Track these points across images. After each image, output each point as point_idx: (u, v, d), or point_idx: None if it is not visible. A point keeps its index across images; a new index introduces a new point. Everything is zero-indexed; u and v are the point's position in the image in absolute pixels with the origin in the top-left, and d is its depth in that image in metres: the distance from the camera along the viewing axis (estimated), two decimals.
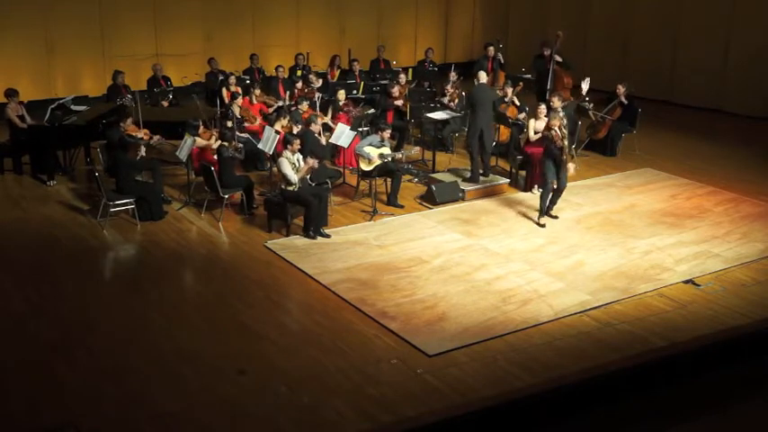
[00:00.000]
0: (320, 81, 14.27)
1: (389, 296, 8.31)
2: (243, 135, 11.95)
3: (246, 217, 10.48)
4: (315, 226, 9.76)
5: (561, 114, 10.23)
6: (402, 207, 10.90)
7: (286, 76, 14.79)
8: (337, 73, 15.54)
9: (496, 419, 6.55)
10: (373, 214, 10.56)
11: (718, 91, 16.56)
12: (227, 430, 6.16)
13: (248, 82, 14.44)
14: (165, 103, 13.99)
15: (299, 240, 9.70)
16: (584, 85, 13.14)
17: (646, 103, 14.99)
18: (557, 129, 9.97)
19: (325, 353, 7.23)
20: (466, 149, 12.12)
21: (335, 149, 12.07)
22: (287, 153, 9.81)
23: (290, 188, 9.70)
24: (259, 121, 12.60)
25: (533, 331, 7.66)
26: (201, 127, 11.19)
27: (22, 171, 11.99)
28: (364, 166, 10.77)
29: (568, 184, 10.62)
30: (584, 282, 8.72)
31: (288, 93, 14.01)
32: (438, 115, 12.62)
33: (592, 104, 13.19)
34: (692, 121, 16.02)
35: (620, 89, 13.51)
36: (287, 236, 9.83)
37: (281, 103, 13.26)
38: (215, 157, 10.53)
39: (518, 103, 12.99)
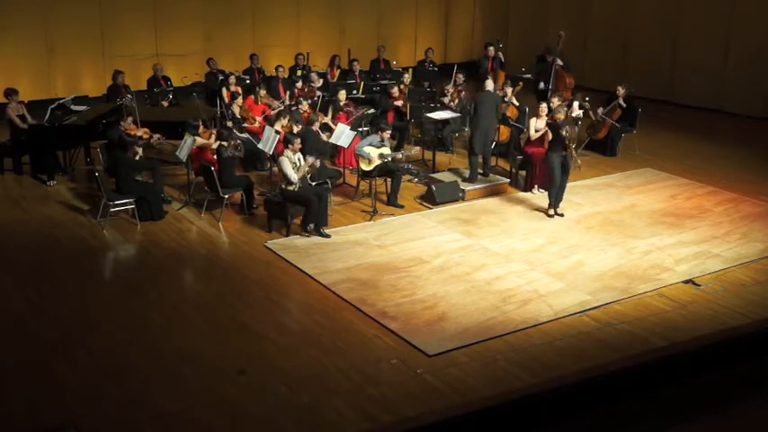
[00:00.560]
0: (321, 81, 14.28)
1: (389, 296, 8.31)
2: (243, 135, 11.95)
3: (246, 217, 10.48)
4: (315, 224, 9.76)
5: (565, 109, 10.35)
6: (402, 207, 10.90)
7: (286, 76, 14.79)
8: (337, 73, 15.54)
9: (496, 419, 6.55)
10: (373, 214, 10.56)
11: (718, 91, 16.56)
12: (227, 430, 6.16)
13: (248, 82, 14.46)
14: (165, 103, 13.99)
15: (299, 240, 9.70)
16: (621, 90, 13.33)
17: (646, 103, 14.98)
18: (565, 130, 10.12)
19: (325, 353, 7.23)
20: (467, 149, 12.13)
21: (335, 149, 12.07)
22: (288, 152, 9.81)
23: (291, 188, 9.70)
24: (259, 121, 12.59)
25: (533, 331, 7.66)
26: (201, 127, 11.20)
27: (22, 171, 11.98)
28: (364, 167, 10.77)
29: (569, 185, 10.68)
30: (584, 282, 8.72)
31: (288, 93, 14.01)
32: (438, 115, 12.62)
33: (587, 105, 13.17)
34: (692, 121, 16.01)
35: (620, 90, 13.50)
36: (287, 236, 9.83)
37: (283, 106, 13.23)
38: (215, 156, 10.53)
39: (517, 104, 13.00)
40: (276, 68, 14.73)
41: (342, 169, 11.90)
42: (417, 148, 12.77)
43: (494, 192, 11.51)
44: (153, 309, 8.11)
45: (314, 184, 10.20)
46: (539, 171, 11.34)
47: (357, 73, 15.27)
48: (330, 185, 10.88)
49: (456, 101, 13.55)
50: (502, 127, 12.69)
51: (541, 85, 14.31)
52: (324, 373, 6.89)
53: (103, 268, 9.39)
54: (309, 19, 18.31)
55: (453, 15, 20.56)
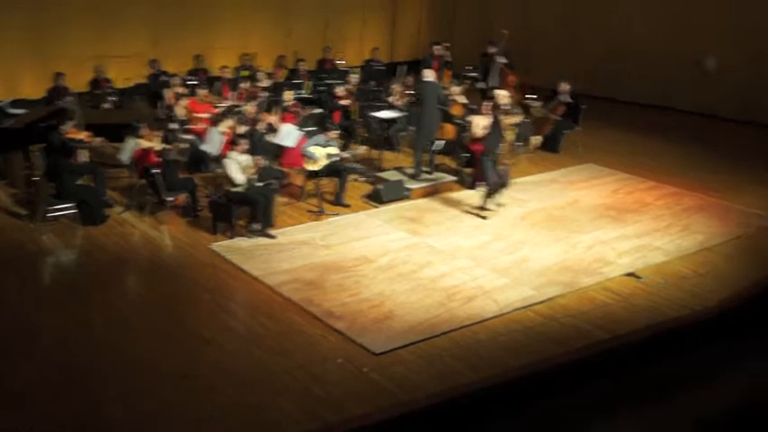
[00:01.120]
0: (269, 81, 14.18)
1: (336, 296, 8.30)
2: (188, 137, 11.80)
3: (191, 219, 10.35)
4: (261, 225, 9.70)
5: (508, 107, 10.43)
6: (348, 206, 10.89)
7: (230, 77, 14.67)
8: (284, 73, 15.46)
9: (442, 416, 6.57)
10: (319, 214, 10.53)
11: (665, 89, 16.75)
12: None
13: (195, 83, 14.30)
14: (108, 105, 13.75)
15: (244, 242, 9.62)
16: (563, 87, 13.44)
17: (593, 100, 15.09)
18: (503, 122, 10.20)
19: (271, 354, 7.18)
20: (412, 146, 12.17)
21: (281, 150, 11.98)
22: (233, 154, 9.73)
23: (236, 189, 9.62)
24: (203, 121, 12.45)
25: (478, 327, 7.71)
26: (145, 129, 11.03)
27: None
28: (310, 167, 10.72)
29: (512, 181, 10.80)
30: (528, 277, 8.82)
31: (232, 93, 13.89)
32: (384, 114, 12.64)
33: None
34: (637, 118, 16.20)
35: (563, 87, 13.67)
36: (232, 238, 9.74)
37: (229, 104, 13.09)
38: (158, 159, 10.39)
39: (465, 101, 13.08)
40: (221, 69, 14.58)
41: (287, 170, 11.82)
42: (364, 147, 12.77)
43: (440, 190, 11.57)
44: (96, 314, 7.95)
45: (260, 184, 10.13)
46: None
47: (303, 73, 15.22)
48: (277, 185, 10.81)
49: (403, 100, 13.59)
50: (448, 125, 12.76)
51: (482, 84, 14.42)
52: (270, 375, 6.84)
53: (43, 274, 9.19)
54: (256, 22, 18.17)
55: (400, 16, 20.60)
